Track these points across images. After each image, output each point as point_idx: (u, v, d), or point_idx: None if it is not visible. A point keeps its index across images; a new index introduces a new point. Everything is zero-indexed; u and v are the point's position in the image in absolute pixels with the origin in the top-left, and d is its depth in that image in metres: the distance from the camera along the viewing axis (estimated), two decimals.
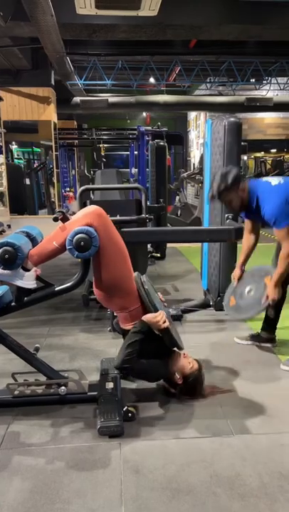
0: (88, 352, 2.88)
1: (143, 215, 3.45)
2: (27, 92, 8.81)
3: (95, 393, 2.15)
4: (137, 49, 7.91)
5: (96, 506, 1.56)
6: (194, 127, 15.01)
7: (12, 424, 2.07)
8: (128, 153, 15.00)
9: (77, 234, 1.94)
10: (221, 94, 10.89)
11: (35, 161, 11.39)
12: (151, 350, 2.14)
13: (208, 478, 1.69)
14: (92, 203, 3.26)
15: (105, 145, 14.23)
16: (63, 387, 2.14)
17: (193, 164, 14.39)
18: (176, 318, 3.35)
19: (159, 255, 5.75)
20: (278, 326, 2.92)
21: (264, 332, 2.93)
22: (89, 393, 2.17)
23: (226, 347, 2.94)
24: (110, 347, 2.91)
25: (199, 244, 4.03)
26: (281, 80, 9.73)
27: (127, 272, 2.16)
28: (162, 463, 1.78)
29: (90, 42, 7.51)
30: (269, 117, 12.24)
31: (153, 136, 10.68)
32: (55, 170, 9.92)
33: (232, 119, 3.25)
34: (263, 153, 12.32)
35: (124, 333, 2.20)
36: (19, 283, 2.00)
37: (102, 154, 14.00)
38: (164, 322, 2.09)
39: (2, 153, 8.89)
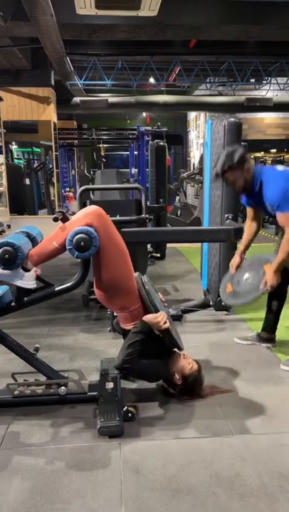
0: (88, 352, 2.88)
1: (143, 215, 3.45)
2: (27, 92, 8.81)
3: (95, 393, 2.15)
4: (136, 49, 7.91)
5: (96, 506, 1.56)
6: (194, 127, 15.01)
7: (12, 424, 2.07)
8: (128, 153, 15.01)
9: (77, 234, 1.94)
10: (220, 95, 10.89)
11: (35, 161, 11.39)
12: (152, 350, 2.14)
13: (208, 478, 1.69)
14: (92, 203, 3.26)
15: (105, 145, 14.23)
16: (63, 387, 2.14)
17: (193, 164, 14.39)
18: (176, 318, 3.35)
19: (158, 255, 5.75)
20: (278, 326, 2.91)
21: (264, 332, 2.93)
22: (89, 393, 2.17)
23: (226, 347, 2.94)
24: (110, 347, 2.91)
25: (199, 244, 4.03)
26: (281, 80, 9.74)
27: (127, 272, 2.16)
28: (162, 463, 1.78)
29: (90, 42, 7.51)
30: (269, 117, 12.24)
31: (153, 136, 10.69)
32: (54, 170, 9.92)
33: (232, 119, 3.25)
34: (262, 153, 12.32)
35: (124, 333, 2.20)
36: (19, 283, 2.00)
37: (102, 154, 14.00)
38: (165, 323, 2.09)
39: (2, 153, 8.90)
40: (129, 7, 4.79)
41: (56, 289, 2.11)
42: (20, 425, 2.06)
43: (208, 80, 9.90)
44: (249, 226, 2.85)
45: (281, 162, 11.27)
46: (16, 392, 2.17)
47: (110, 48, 7.89)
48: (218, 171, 2.52)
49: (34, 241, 2.18)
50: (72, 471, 1.74)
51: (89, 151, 15.55)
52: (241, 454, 1.83)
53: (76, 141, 13.92)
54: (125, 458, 1.81)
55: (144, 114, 15.67)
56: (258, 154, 12.02)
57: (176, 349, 2.24)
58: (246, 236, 2.87)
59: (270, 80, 9.60)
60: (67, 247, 1.97)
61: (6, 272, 1.97)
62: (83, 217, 2.05)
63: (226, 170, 2.48)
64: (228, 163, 2.47)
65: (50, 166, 10.38)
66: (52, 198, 10.13)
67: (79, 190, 3.71)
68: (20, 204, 9.56)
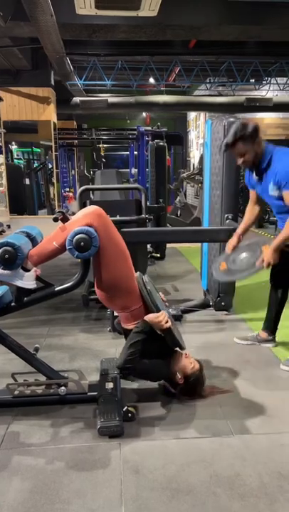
0: (88, 352, 2.87)
1: (143, 216, 3.45)
2: (27, 92, 8.82)
3: (95, 393, 2.15)
4: (136, 49, 7.92)
5: (96, 506, 1.56)
6: (194, 127, 15.01)
7: (12, 424, 2.07)
8: (128, 153, 15.02)
9: (77, 234, 1.94)
10: (220, 95, 10.89)
11: (35, 161, 11.39)
12: (154, 350, 2.14)
13: (208, 478, 1.69)
14: (92, 203, 3.26)
15: (105, 145, 14.24)
16: (63, 388, 2.14)
17: (193, 164, 14.39)
18: (176, 318, 3.35)
19: (158, 255, 5.75)
20: (278, 326, 2.92)
21: (264, 332, 2.93)
22: (89, 393, 2.17)
23: (226, 347, 2.94)
24: (110, 347, 2.91)
25: (199, 244, 4.03)
26: (281, 80, 9.75)
27: (128, 272, 2.16)
28: (162, 463, 1.78)
29: (90, 42, 7.51)
30: (269, 117, 12.24)
31: (153, 136, 10.70)
32: (54, 170, 9.92)
33: (232, 120, 3.25)
34: None
35: (125, 333, 2.20)
36: (19, 283, 1.99)
37: (102, 154, 14.01)
38: (167, 322, 2.09)
39: (2, 154, 8.90)
40: (129, 7, 4.79)
41: (56, 289, 2.11)
42: (20, 425, 2.06)
43: (208, 80, 9.90)
44: (250, 210, 2.80)
45: None
46: (16, 392, 2.17)
47: (110, 48, 7.89)
48: (229, 140, 2.43)
49: (34, 241, 2.18)
50: (72, 471, 1.74)
51: (89, 151, 15.57)
52: (241, 454, 1.83)
53: (76, 141, 13.93)
54: (125, 458, 1.81)
55: (144, 114, 15.67)
56: None
57: (177, 348, 2.23)
58: (246, 218, 2.81)
59: (270, 80, 9.60)
60: (68, 247, 1.97)
61: (5, 272, 1.96)
62: (83, 218, 2.05)
63: (237, 139, 2.39)
64: (241, 133, 2.39)
65: (50, 166, 10.39)
66: (52, 198, 10.14)
67: (79, 190, 3.71)
68: (20, 204, 9.57)
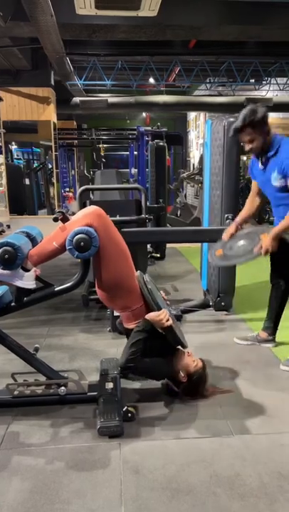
0: (88, 352, 2.87)
1: (143, 216, 3.45)
2: (27, 92, 8.82)
3: (95, 393, 2.15)
4: (136, 49, 7.93)
5: (96, 506, 1.56)
6: (194, 127, 15.01)
7: (12, 424, 2.06)
8: (128, 153, 15.02)
9: (77, 234, 1.94)
10: (220, 95, 10.90)
11: (35, 161, 11.40)
12: (155, 348, 2.14)
13: (208, 478, 1.69)
14: (92, 203, 3.26)
15: (105, 145, 14.24)
16: (63, 388, 2.14)
17: (193, 164, 14.39)
18: (176, 318, 3.34)
19: (158, 255, 5.75)
20: (278, 326, 2.91)
21: (264, 332, 2.93)
22: (89, 393, 2.17)
23: (226, 347, 2.94)
24: (110, 347, 2.91)
25: (199, 244, 4.03)
26: (281, 80, 9.75)
27: (128, 272, 2.15)
28: (162, 463, 1.78)
29: (90, 42, 7.52)
30: (269, 118, 12.24)
31: (153, 136, 10.70)
32: (54, 170, 9.92)
33: (232, 120, 3.25)
34: None
35: (127, 332, 2.20)
36: (19, 283, 1.99)
37: (102, 154, 14.01)
38: (168, 320, 2.08)
39: (2, 154, 8.90)
40: (129, 7, 4.80)
41: (56, 289, 2.11)
42: (20, 425, 2.05)
43: (208, 80, 9.91)
44: (251, 201, 2.78)
45: None
46: (16, 393, 2.17)
47: (110, 48, 7.90)
48: (238, 125, 2.40)
49: (34, 241, 2.18)
50: (72, 471, 1.74)
51: (89, 151, 15.57)
52: (241, 454, 1.83)
53: (76, 141, 13.94)
54: (125, 458, 1.81)
55: (143, 114, 15.68)
56: None
57: (180, 347, 2.23)
58: (246, 208, 2.79)
59: (270, 81, 9.61)
60: (67, 247, 1.97)
61: (5, 272, 1.96)
62: (83, 218, 2.05)
63: (247, 124, 2.37)
64: (251, 118, 2.37)
65: (50, 166, 10.39)
66: (52, 198, 10.14)
67: (79, 190, 3.71)
68: (20, 204, 9.57)
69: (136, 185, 5.56)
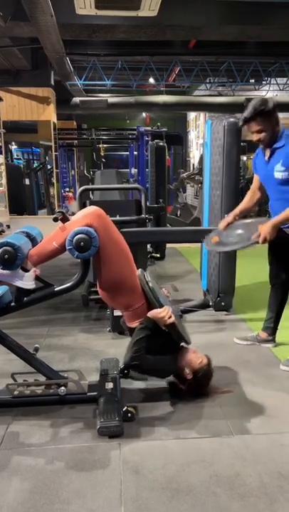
0: (88, 352, 2.87)
1: (143, 216, 3.45)
2: (27, 93, 8.83)
3: (95, 393, 2.15)
4: (136, 49, 7.93)
5: (96, 507, 1.56)
6: (194, 127, 15.02)
7: (12, 424, 2.06)
8: (128, 153, 15.02)
9: (77, 234, 1.94)
10: (220, 95, 10.90)
11: (35, 161, 11.40)
12: (159, 346, 2.13)
13: (208, 478, 1.69)
14: (92, 203, 3.26)
15: (105, 145, 14.24)
16: (63, 388, 2.13)
17: (193, 164, 14.40)
18: None
19: (158, 255, 5.75)
20: (278, 326, 2.91)
21: (264, 332, 2.93)
22: (88, 393, 2.17)
23: (226, 347, 2.93)
24: (110, 347, 2.91)
25: (199, 244, 4.03)
26: (281, 80, 9.76)
27: (129, 271, 2.15)
28: (162, 463, 1.78)
29: (90, 42, 7.53)
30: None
31: (152, 136, 10.70)
32: (54, 170, 9.92)
33: (232, 120, 3.25)
34: None
35: (131, 331, 2.20)
36: (19, 283, 1.99)
37: (102, 154, 14.01)
38: (170, 317, 2.08)
39: (2, 154, 8.90)
40: (128, 7, 4.80)
41: (56, 289, 2.11)
42: (20, 425, 2.05)
43: (207, 81, 9.91)
44: (251, 195, 2.77)
45: None
46: (16, 393, 2.17)
47: (110, 48, 7.91)
48: (247, 115, 2.38)
49: (34, 241, 2.18)
50: (72, 472, 1.74)
51: (88, 151, 15.57)
52: (241, 454, 1.83)
53: (76, 141, 13.94)
54: (125, 458, 1.81)
55: (143, 114, 15.68)
56: None
57: (183, 343, 2.22)
58: (244, 201, 2.77)
59: (270, 81, 9.62)
60: (67, 247, 1.97)
61: (5, 272, 1.96)
62: (83, 218, 2.05)
63: (257, 113, 2.34)
64: (262, 107, 2.35)
65: (50, 167, 10.39)
66: (52, 197, 10.14)
67: (79, 190, 3.71)
68: (20, 204, 9.58)
69: (136, 185, 5.56)
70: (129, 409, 2.05)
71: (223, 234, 2.68)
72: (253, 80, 9.97)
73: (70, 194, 12.71)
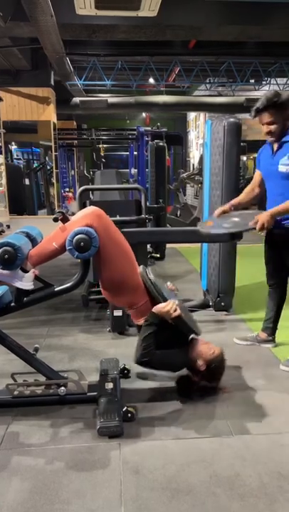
0: (88, 352, 2.87)
1: (142, 216, 3.45)
2: (26, 93, 8.83)
3: (95, 393, 2.15)
4: (136, 49, 7.93)
5: (95, 507, 1.56)
6: (194, 128, 15.02)
7: (11, 424, 2.06)
8: (128, 153, 15.02)
9: (77, 234, 1.94)
10: (220, 95, 10.91)
11: (35, 162, 11.40)
12: (168, 340, 2.12)
13: (208, 479, 1.69)
14: (92, 203, 3.26)
15: (105, 145, 14.24)
16: (63, 388, 2.14)
17: (193, 165, 14.40)
18: None
19: (158, 256, 5.75)
20: (278, 326, 2.91)
21: (263, 332, 2.93)
22: (88, 393, 2.17)
23: (226, 347, 2.90)
24: (110, 347, 2.91)
25: (199, 244, 4.03)
26: (280, 80, 9.75)
27: (131, 270, 2.15)
28: (162, 463, 1.78)
29: (90, 42, 7.53)
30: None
31: (152, 136, 10.69)
32: (54, 170, 9.92)
33: (231, 120, 3.25)
34: None
35: (139, 328, 2.20)
36: (18, 284, 1.99)
37: (102, 155, 14.01)
38: (175, 310, 2.07)
39: (1, 154, 8.90)
40: (128, 7, 4.80)
41: (56, 289, 2.11)
42: (20, 425, 2.05)
43: (207, 81, 9.91)
44: (249, 190, 2.76)
45: None
46: (16, 393, 2.17)
47: (110, 48, 7.90)
48: (260, 105, 2.38)
49: (34, 241, 2.18)
50: (72, 472, 1.74)
51: (88, 151, 15.57)
52: (241, 454, 1.83)
53: (76, 141, 13.94)
54: (125, 458, 1.81)
55: (143, 114, 15.68)
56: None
57: (193, 335, 2.21)
58: (242, 195, 2.76)
59: (270, 81, 9.62)
60: (67, 248, 1.97)
61: (5, 272, 1.96)
62: (83, 218, 2.05)
63: (270, 104, 2.36)
64: (275, 99, 2.36)
65: (49, 167, 10.39)
66: (52, 197, 10.14)
67: (78, 190, 3.71)
68: (20, 204, 9.58)
69: (136, 185, 5.56)
70: (129, 409, 2.05)
71: (218, 220, 2.68)
72: (253, 80, 9.97)
73: (70, 194, 12.71)
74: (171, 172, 12.15)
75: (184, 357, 2.18)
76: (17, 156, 12.14)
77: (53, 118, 9.22)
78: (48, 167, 10.43)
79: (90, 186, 5.49)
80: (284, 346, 2.91)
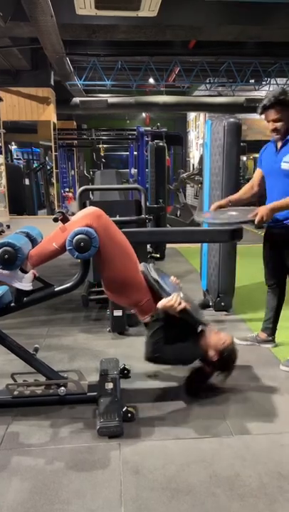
0: (87, 352, 2.87)
1: (142, 216, 3.45)
2: (26, 93, 8.83)
3: (95, 394, 2.15)
4: (136, 49, 7.93)
5: (95, 507, 1.56)
6: (194, 128, 15.02)
7: (11, 424, 2.06)
8: (127, 153, 15.02)
9: (77, 235, 1.94)
10: (220, 95, 10.91)
11: (35, 162, 11.40)
12: (177, 333, 2.11)
13: (208, 479, 1.69)
14: (92, 203, 3.26)
15: (105, 145, 14.25)
16: (63, 388, 2.13)
17: (193, 165, 14.40)
18: None
19: (158, 256, 5.75)
20: (278, 326, 2.91)
21: (263, 333, 2.93)
22: (88, 394, 2.17)
23: None
24: (109, 347, 2.91)
25: (199, 244, 4.03)
26: (280, 80, 9.75)
27: (132, 269, 2.15)
28: (162, 463, 1.78)
29: (90, 42, 7.53)
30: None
31: (152, 136, 10.69)
32: (54, 170, 9.92)
33: (231, 120, 3.25)
34: None
35: (146, 326, 2.20)
36: (17, 285, 1.99)
37: (102, 155, 14.01)
38: (180, 304, 2.07)
39: (1, 154, 8.90)
40: (128, 7, 4.80)
41: (56, 289, 2.11)
42: (20, 426, 2.05)
43: (207, 81, 9.92)
44: (248, 188, 2.77)
45: None
46: (16, 393, 2.17)
47: (110, 48, 7.91)
48: (268, 102, 2.40)
49: (34, 242, 2.18)
50: (72, 472, 1.74)
51: (88, 151, 15.56)
52: (241, 454, 1.83)
53: (76, 141, 13.94)
54: (125, 458, 1.81)
55: (143, 114, 15.68)
56: (257, 155, 12.00)
57: (201, 326, 2.20)
58: (242, 192, 2.77)
59: (270, 81, 9.62)
60: (68, 248, 1.97)
61: (4, 272, 1.96)
62: (83, 218, 2.05)
63: (277, 102, 2.38)
64: (282, 96, 2.37)
65: (49, 167, 10.39)
66: (52, 197, 10.14)
67: (78, 190, 3.71)
68: (20, 204, 9.58)
69: (136, 185, 5.56)
70: (129, 409, 2.05)
71: (214, 213, 2.69)
72: (252, 80, 9.97)
73: (70, 194, 12.71)
74: (171, 172, 12.14)
75: (195, 349, 2.16)
76: (17, 156, 12.14)
77: (53, 118, 9.22)
78: (48, 167, 10.43)
79: (90, 186, 5.49)
80: (284, 346, 2.91)
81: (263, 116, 2.51)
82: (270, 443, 1.91)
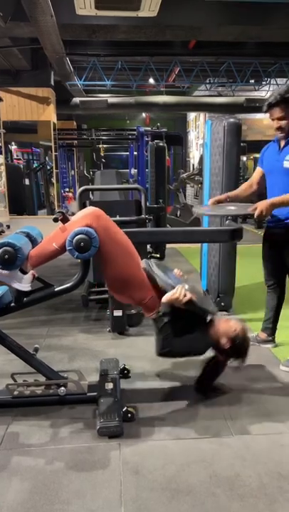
0: (87, 352, 2.87)
1: (142, 216, 3.45)
2: (26, 93, 8.82)
3: (95, 394, 2.15)
4: (136, 50, 7.93)
5: (95, 507, 1.56)
6: (194, 128, 15.01)
7: (11, 424, 2.06)
8: (127, 153, 15.02)
9: (77, 235, 1.94)
10: (220, 95, 10.90)
11: (35, 162, 11.40)
12: (186, 325, 2.10)
13: (208, 479, 1.69)
14: (92, 203, 3.26)
15: (105, 145, 14.24)
16: (63, 388, 2.14)
17: (193, 165, 14.39)
18: None
19: (158, 256, 5.75)
20: (278, 326, 2.91)
21: (263, 333, 2.93)
22: (88, 394, 2.17)
23: None
24: (109, 347, 2.91)
25: (199, 244, 4.03)
26: (280, 81, 9.75)
27: (134, 267, 2.14)
28: (162, 463, 1.78)
29: (90, 42, 7.52)
30: (268, 118, 12.22)
31: (152, 136, 10.68)
32: (54, 170, 9.92)
33: (231, 120, 3.26)
34: None
35: (154, 322, 2.19)
36: (16, 285, 1.99)
37: (102, 155, 14.01)
38: (185, 295, 2.06)
39: (1, 154, 8.90)
40: (128, 8, 4.80)
41: (56, 289, 2.11)
42: (20, 426, 2.05)
43: (207, 81, 9.91)
44: (247, 186, 2.77)
45: None
46: (16, 393, 2.17)
47: (110, 48, 7.90)
48: (273, 100, 2.41)
49: (34, 242, 2.18)
50: (72, 472, 1.74)
51: (88, 151, 15.56)
52: (241, 454, 1.83)
53: (76, 141, 13.93)
54: (125, 458, 1.81)
55: (143, 114, 15.68)
56: (257, 155, 11.99)
57: (209, 315, 2.18)
58: (241, 190, 2.78)
59: (270, 81, 9.61)
60: (68, 248, 1.97)
61: (4, 272, 1.96)
62: (83, 218, 2.05)
63: (282, 100, 2.38)
64: (287, 94, 2.37)
65: (49, 167, 10.39)
66: (52, 197, 10.13)
67: (78, 190, 3.71)
68: (20, 204, 9.58)
69: (136, 185, 5.56)
70: (129, 409, 2.06)
71: (212, 208, 2.71)
72: (252, 81, 9.96)
73: (70, 194, 12.71)
74: (171, 172, 12.14)
75: (206, 339, 2.15)
76: (17, 156, 12.14)
77: (53, 118, 9.22)
78: (48, 167, 10.43)
79: (90, 186, 5.49)
80: (284, 346, 2.91)
81: (267, 114, 2.51)
82: (270, 443, 1.91)
